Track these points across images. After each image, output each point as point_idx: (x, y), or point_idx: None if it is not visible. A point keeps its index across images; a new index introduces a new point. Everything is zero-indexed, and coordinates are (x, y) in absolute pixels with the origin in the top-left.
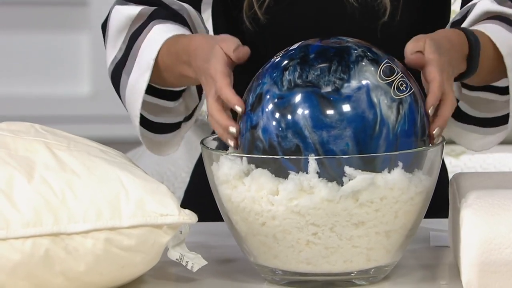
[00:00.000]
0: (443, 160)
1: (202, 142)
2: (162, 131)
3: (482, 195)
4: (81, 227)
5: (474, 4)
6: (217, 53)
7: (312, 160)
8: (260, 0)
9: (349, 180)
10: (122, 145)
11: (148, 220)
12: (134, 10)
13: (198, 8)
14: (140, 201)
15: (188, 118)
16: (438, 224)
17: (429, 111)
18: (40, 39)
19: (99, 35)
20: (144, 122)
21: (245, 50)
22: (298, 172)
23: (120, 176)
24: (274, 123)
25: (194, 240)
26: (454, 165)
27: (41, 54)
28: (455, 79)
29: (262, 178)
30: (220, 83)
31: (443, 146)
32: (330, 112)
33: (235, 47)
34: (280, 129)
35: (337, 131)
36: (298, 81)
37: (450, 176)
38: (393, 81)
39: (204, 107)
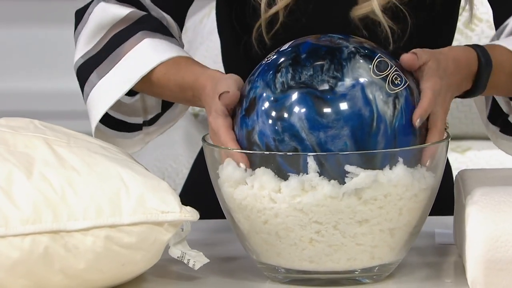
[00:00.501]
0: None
1: (203, 138)
2: (119, 129)
3: (488, 192)
4: (81, 224)
5: (507, 25)
6: (215, 104)
7: (311, 161)
8: (268, 19)
9: (352, 178)
10: None
11: (149, 217)
12: (121, 11)
13: (181, 18)
14: (141, 198)
15: (150, 123)
16: (443, 221)
17: (416, 123)
18: (39, 34)
19: None
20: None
21: (230, 96)
22: (298, 174)
23: (120, 172)
24: (270, 126)
25: (195, 238)
26: (459, 162)
27: (40, 48)
28: (460, 96)
29: (265, 177)
30: (223, 139)
31: (448, 142)
32: (326, 112)
33: (221, 92)
34: (276, 132)
35: (334, 131)
36: (291, 83)
37: (455, 172)
38: (387, 75)
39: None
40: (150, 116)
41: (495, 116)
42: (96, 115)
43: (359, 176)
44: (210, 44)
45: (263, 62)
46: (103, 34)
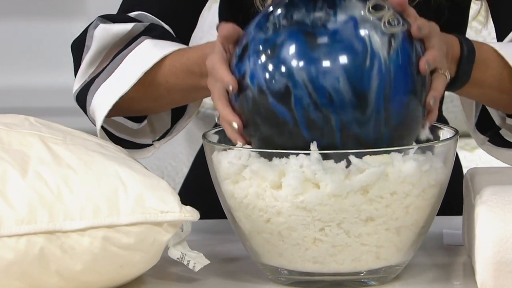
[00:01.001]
0: (457, 155)
1: (204, 136)
2: (127, 147)
3: (497, 191)
4: (77, 224)
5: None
6: (216, 47)
7: (314, 147)
8: None
9: (356, 166)
10: None
11: (147, 217)
12: (124, 26)
13: (187, 35)
14: (140, 197)
15: (159, 139)
16: (452, 221)
17: (416, 31)
18: (34, 27)
19: None
20: (108, 134)
21: (229, 27)
22: (291, 121)
23: (118, 171)
24: (260, 66)
25: (196, 238)
26: (468, 160)
27: (36, 42)
28: (448, 89)
29: (262, 170)
30: (217, 69)
31: (457, 139)
32: (317, 47)
33: (219, 24)
34: (267, 71)
35: (326, 66)
36: (283, 22)
37: (464, 171)
38: (383, 15)
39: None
40: (159, 136)
41: (485, 126)
42: (100, 116)
43: (364, 173)
44: (211, 38)
45: (259, 12)
46: (105, 54)
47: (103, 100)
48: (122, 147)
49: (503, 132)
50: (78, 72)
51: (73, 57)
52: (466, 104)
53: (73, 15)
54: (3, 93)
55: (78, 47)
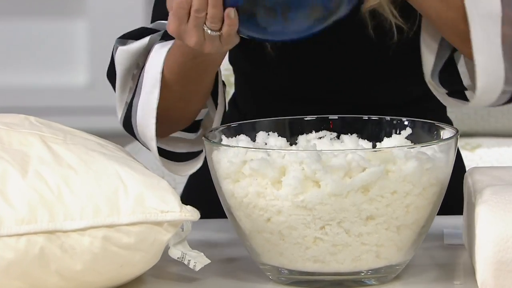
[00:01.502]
0: (459, 154)
1: (204, 136)
2: (184, 159)
3: (498, 191)
4: (77, 224)
5: None
6: None
7: (313, 147)
8: None
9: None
10: (121, 138)
11: (148, 217)
12: (141, 42)
13: None
14: (140, 197)
15: None
16: (452, 221)
17: None
18: (35, 27)
19: (97, 23)
20: (164, 153)
21: None
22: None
23: (118, 171)
24: None
25: (196, 238)
26: (469, 159)
27: (36, 42)
28: None
29: (262, 168)
30: None
31: (457, 138)
32: None
33: None
34: None
35: None
36: None
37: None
38: None
39: None
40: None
41: (447, 80)
42: (150, 139)
43: (365, 172)
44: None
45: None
46: (133, 74)
47: (146, 118)
48: (176, 161)
49: (467, 92)
50: (116, 99)
51: (111, 86)
52: (430, 29)
53: (73, 15)
54: (3, 93)
55: (111, 74)
